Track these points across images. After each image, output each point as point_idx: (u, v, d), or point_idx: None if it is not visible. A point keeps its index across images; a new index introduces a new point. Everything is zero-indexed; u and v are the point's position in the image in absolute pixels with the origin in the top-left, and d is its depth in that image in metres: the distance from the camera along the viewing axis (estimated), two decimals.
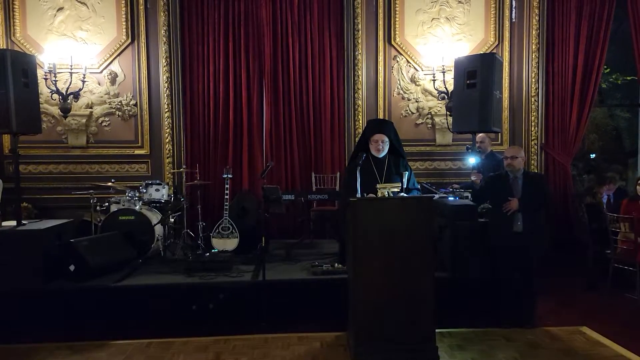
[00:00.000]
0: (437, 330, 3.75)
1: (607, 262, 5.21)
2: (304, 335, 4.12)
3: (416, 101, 6.67)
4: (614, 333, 4.07)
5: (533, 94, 6.69)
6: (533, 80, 6.68)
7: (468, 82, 4.82)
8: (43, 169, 6.28)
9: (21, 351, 3.87)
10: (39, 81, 5.41)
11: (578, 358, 3.64)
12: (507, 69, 6.64)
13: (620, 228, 5.06)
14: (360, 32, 6.53)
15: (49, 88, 5.97)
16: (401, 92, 6.66)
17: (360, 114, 6.58)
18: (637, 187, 5.14)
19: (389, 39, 6.60)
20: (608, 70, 8.35)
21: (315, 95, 6.58)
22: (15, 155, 4.49)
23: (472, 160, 4.81)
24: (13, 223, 4.59)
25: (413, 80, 6.65)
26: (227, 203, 5.51)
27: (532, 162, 6.71)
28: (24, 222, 4.64)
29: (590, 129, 8.94)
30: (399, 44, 6.59)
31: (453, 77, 5.39)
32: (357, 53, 6.54)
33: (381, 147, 4.36)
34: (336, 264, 4.77)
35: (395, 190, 3.85)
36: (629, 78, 7.51)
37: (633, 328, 4.26)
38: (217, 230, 5.45)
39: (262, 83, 6.52)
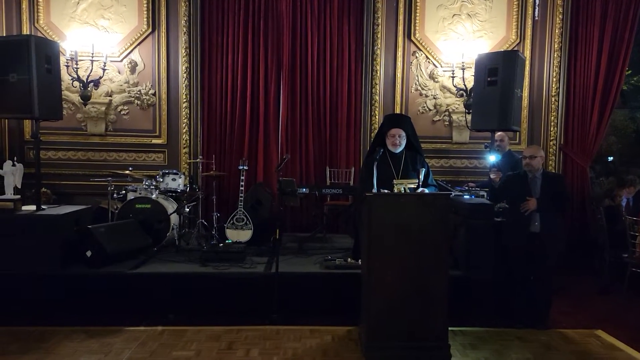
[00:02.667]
0: (450, 329, 3.74)
1: (624, 265, 5.14)
2: (315, 328, 4.13)
3: (434, 98, 6.62)
4: (629, 337, 4.02)
5: (553, 94, 6.60)
6: (554, 79, 6.59)
7: (489, 79, 4.77)
8: (62, 155, 6.36)
9: (38, 334, 3.94)
10: (60, 68, 5.49)
11: None
12: (527, 67, 6.53)
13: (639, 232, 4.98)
14: (379, 26, 6.49)
15: (70, 75, 6.03)
16: (419, 88, 6.62)
17: (377, 109, 6.55)
18: None
19: (408, 34, 6.55)
20: (630, 72, 8.20)
21: (333, 90, 6.57)
22: (37, 140, 4.55)
23: (492, 158, 4.75)
24: (33, 208, 4.66)
25: (432, 76, 6.60)
26: (242, 195, 5.54)
27: (550, 162, 6.62)
28: (43, 207, 4.71)
29: (609, 131, 8.80)
30: (418, 39, 6.54)
31: (473, 74, 5.33)
32: (375, 48, 6.51)
33: (398, 142, 4.33)
34: (349, 259, 4.76)
35: (412, 186, 3.84)
36: None
37: None
38: (232, 222, 5.48)
39: (280, 76, 6.52)
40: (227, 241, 5.28)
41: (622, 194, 5.89)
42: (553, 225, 4.16)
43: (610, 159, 8.96)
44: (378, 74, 6.54)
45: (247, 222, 5.48)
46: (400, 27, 6.53)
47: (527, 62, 6.54)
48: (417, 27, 6.54)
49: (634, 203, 5.64)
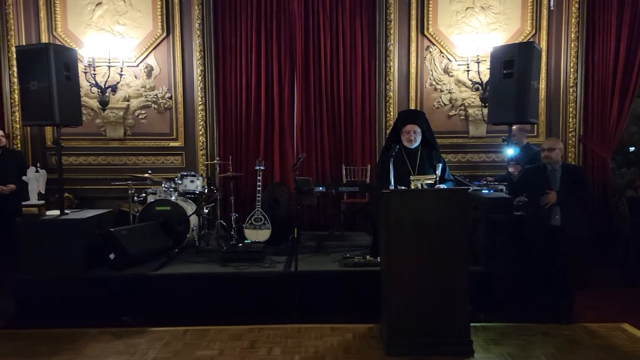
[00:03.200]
0: (472, 325, 3.73)
1: None
2: (336, 326, 4.14)
3: (449, 92, 6.57)
4: None
5: (571, 85, 6.50)
6: (572, 70, 6.49)
7: (505, 72, 4.71)
8: (83, 160, 6.48)
9: (65, 336, 4.02)
10: (79, 75, 5.58)
11: (618, 355, 3.55)
12: (544, 58, 6.45)
13: None
14: (392, 22, 6.46)
15: (88, 81, 6.14)
16: (433, 83, 6.58)
17: (392, 105, 6.53)
18: None
19: (421, 29, 6.51)
20: None
21: (346, 87, 6.57)
22: (59, 146, 4.64)
23: (510, 152, 4.70)
24: (56, 212, 4.75)
25: (446, 71, 6.56)
26: (260, 194, 5.57)
27: (570, 154, 6.53)
28: (66, 211, 4.80)
29: (630, 121, 8.61)
30: (432, 34, 6.50)
31: (489, 67, 5.28)
32: (389, 44, 6.49)
33: (413, 137, 4.33)
34: (367, 256, 4.76)
35: (430, 182, 3.83)
36: None
37: None
38: (250, 221, 5.52)
39: (294, 75, 6.54)
40: (246, 241, 5.33)
41: None
42: (574, 218, 4.10)
43: (632, 149, 8.76)
44: (392, 70, 6.52)
45: (265, 221, 5.52)
46: (413, 22, 6.49)
47: (544, 53, 6.45)
48: (430, 22, 6.49)
49: None
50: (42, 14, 6.31)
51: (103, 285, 4.48)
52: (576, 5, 6.40)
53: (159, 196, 5.47)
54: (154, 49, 6.40)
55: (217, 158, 6.25)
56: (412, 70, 6.55)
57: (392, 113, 6.51)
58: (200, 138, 6.48)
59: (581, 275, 5.06)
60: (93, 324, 4.20)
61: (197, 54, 6.38)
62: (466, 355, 3.53)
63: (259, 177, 5.61)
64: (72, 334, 4.03)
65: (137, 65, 6.40)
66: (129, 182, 5.48)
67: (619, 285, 5.20)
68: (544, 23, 6.48)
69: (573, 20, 6.44)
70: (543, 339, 3.83)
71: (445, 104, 6.59)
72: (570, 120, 6.54)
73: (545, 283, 4.19)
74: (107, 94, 6.20)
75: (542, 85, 6.49)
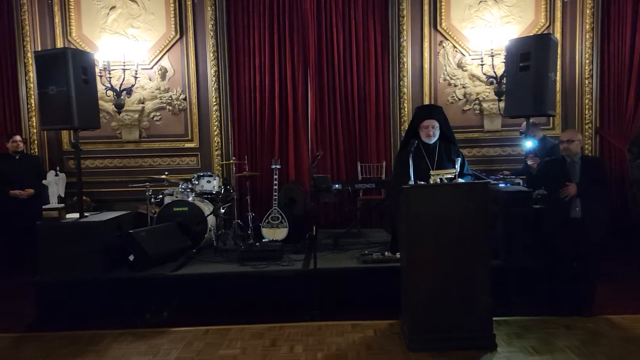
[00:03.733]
0: (493, 319, 3.70)
1: None
2: (357, 323, 4.13)
3: (463, 87, 6.54)
4: None
5: (587, 76, 6.44)
6: (587, 61, 6.42)
7: (521, 64, 4.67)
8: (99, 163, 6.55)
9: (88, 337, 4.05)
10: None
11: None
12: (559, 50, 6.36)
13: None
14: (405, 18, 6.45)
15: (103, 85, 6.20)
16: (447, 78, 6.55)
17: (406, 101, 6.51)
18: None
19: (434, 24, 6.49)
20: None
21: (360, 84, 6.56)
22: (77, 150, 4.69)
23: (528, 144, 4.67)
24: (76, 215, 4.81)
25: (460, 65, 6.53)
26: (276, 193, 5.59)
27: (587, 146, 6.47)
28: (85, 214, 4.85)
29: None
30: (445, 29, 6.47)
31: (504, 60, 5.24)
32: (402, 40, 6.47)
33: (432, 132, 4.32)
34: (386, 252, 4.75)
35: (449, 176, 3.81)
36: None
37: None
38: (267, 220, 5.54)
39: (307, 73, 6.54)
40: (263, 240, 5.35)
41: None
42: (594, 210, 4.06)
43: None
44: (405, 66, 6.50)
45: (282, 220, 5.53)
46: (426, 18, 6.47)
47: (559, 45, 6.37)
48: (442, 17, 6.47)
49: None
50: (57, 20, 6.38)
51: (123, 286, 4.51)
52: None
53: (176, 197, 5.51)
54: (167, 51, 6.45)
55: (233, 158, 6.28)
56: (426, 65, 6.53)
57: (406, 109, 6.49)
58: (215, 138, 6.51)
59: (602, 268, 5.02)
60: (114, 325, 4.24)
61: (211, 55, 6.42)
62: (489, 349, 3.51)
63: (275, 176, 5.62)
64: (94, 336, 4.06)
65: (152, 68, 6.45)
66: (147, 183, 5.52)
67: (638, 277, 5.12)
68: (558, 14, 6.43)
69: (588, 11, 6.37)
70: (566, 332, 3.79)
71: (459, 99, 6.57)
72: (587, 112, 6.48)
73: (565, 276, 4.14)
74: (122, 97, 6.26)
75: (558, 77, 6.38)
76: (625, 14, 6.31)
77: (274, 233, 5.50)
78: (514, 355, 3.45)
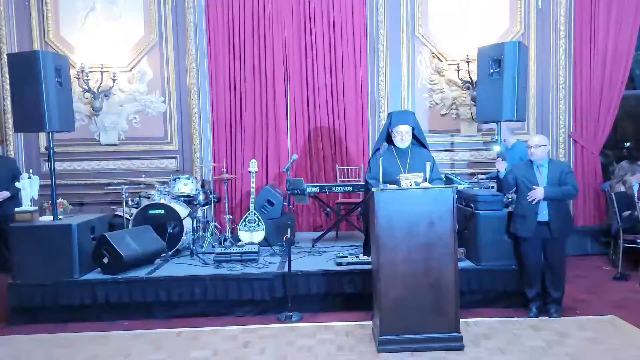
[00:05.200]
0: (463, 320, 3.79)
1: (638, 250, 5.10)
2: (329, 324, 4.18)
3: (440, 92, 6.63)
4: None
5: (561, 82, 6.56)
6: (561, 68, 6.55)
7: (492, 70, 4.77)
8: (77, 166, 6.51)
9: (59, 340, 4.04)
10: (71, 80, 5.61)
11: (607, 347, 3.59)
12: (533, 57, 6.53)
13: None
14: (383, 23, 6.52)
15: (81, 87, 6.18)
16: (425, 83, 6.64)
17: (384, 105, 6.58)
18: None
19: (412, 30, 6.58)
20: None
21: (340, 88, 6.61)
22: (51, 152, 4.67)
23: (496, 148, 4.76)
24: (50, 218, 4.79)
25: (437, 70, 6.62)
26: (253, 196, 5.61)
27: (561, 150, 6.60)
28: (59, 217, 4.83)
29: (622, 117, 8.68)
30: (422, 34, 6.56)
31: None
32: (380, 45, 6.54)
33: (405, 137, 4.38)
34: (360, 255, 4.80)
35: (418, 180, 3.87)
36: None
37: None
38: (244, 223, 5.56)
39: (287, 77, 6.59)
40: (239, 243, 5.36)
41: (633, 179, 5.83)
42: (561, 213, 4.16)
43: (627, 144, 8.83)
44: (384, 71, 6.58)
45: (259, 223, 5.55)
46: (404, 24, 6.56)
47: (533, 52, 6.53)
48: (420, 23, 6.57)
49: None
50: (34, 22, 6.34)
51: (97, 289, 4.49)
52: (564, 4, 6.48)
53: (153, 200, 5.50)
54: (146, 53, 6.44)
55: (211, 160, 6.29)
56: (404, 70, 6.61)
57: (385, 113, 6.56)
58: (195, 141, 6.51)
59: (571, 270, 5.13)
60: (87, 328, 4.23)
61: (190, 57, 6.43)
62: (457, 349, 3.57)
63: (252, 179, 5.64)
64: (66, 338, 4.06)
65: (130, 70, 6.44)
66: (123, 186, 5.51)
67: (609, 279, 5.25)
68: (533, 22, 6.56)
69: (561, 19, 6.51)
70: (533, 333, 3.87)
71: (437, 104, 6.66)
72: (561, 117, 6.60)
73: (535, 278, 4.22)
74: (100, 100, 6.24)
75: (532, 83, 6.57)
76: (597, 22, 6.45)
77: (251, 236, 5.52)
78: (481, 356, 3.52)
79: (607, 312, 4.26)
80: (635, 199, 5.37)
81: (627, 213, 5.36)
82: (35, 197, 4.83)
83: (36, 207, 4.74)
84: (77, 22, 6.37)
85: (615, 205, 5.38)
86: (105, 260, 4.59)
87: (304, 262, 5.00)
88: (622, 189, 5.82)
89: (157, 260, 5.00)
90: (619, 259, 5.40)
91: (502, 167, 4.24)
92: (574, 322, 4.06)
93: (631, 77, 7.89)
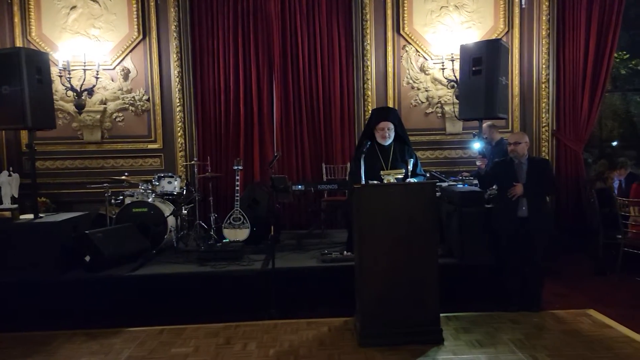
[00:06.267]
0: (444, 315, 3.83)
1: (617, 246, 5.18)
2: (312, 320, 4.20)
3: (426, 90, 6.68)
4: (620, 316, 4.07)
5: (544, 81, 6.64)
6: (544, 66, 6.63)
7: (474, 69, 4.82)
8: (60, 164, 6.47)
9: (40, 338, 4.01)
10: (54, 79, 5.60)
11: (582, 339, 3.64)
12: (517, 55, 6.60)
13: (631, 212, 5.01)
14: (368, 22, 6.55)
15: (63, 85, 6.14)
16: (410, 81, 6.68)
17: (370, 104, 6.61)
18: None
19: (397, 28, 6.61)
20: (628, 55, 8.21)
21: (325, 87, 6.63)
22: (32, 150, 4.64)
23: (476, 146, 4.82)
24: (31, 216, 4.75)
25: (422, 69, 6.66)
26: (238, 194, 5.61)
27: (544, 148, 6.67)
28: (41, 215, 4.80)
29: (608, 116, 8.81)
30: (407, 33, 6.60)
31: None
32: (365, 43, 6.58)
33: (387, 134, 4.39)
34: (345, 252, 4.82)
35: (400, 176, 3.89)
36: None
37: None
38: (229, 221, 5.55)
39: (272, 75, 6.59)
40: (224, 240, 5.36)
41: (613, 176, 5.92)
42: (540, 209, 4.20)
43: (615, 143, 8.96)
44: (369, 70, 6.60)
45: (244, 221, 5.55)
46: (389, 22, 6.59)
47: (517, 50, 6.60)
48: (405, 21, 6.60)
49: (626, 184, 5.67)
50: (17, 19, 6.30)
51: (79, 287, 4.47)
52: (547, 3, 6.56)
53: (136, 198, 5.49)
54: (130, 51, 6.42)
55: (196, 159, 6.27)
56: (390, 69, 6.64)
57: (370, 111, 6.56)
58: (179, 139, 6.50)
59: (554, 265, 5.20)
60: (69, 326, 4.20)
61: (174, 56, 6.41)
62: (437, 343, 3.61)
63: (237, 177, 5.64)
64: (46, 337, 4.03)
65: (114, 68, 6.41)
66: (106, 185, 5.48)
67: (589, 275, 5.32)
68: (516, 21, 6.62)
69: (544, 18, 6.58)
70: (511, 326, 3.92)
71: (422, 102, 6.70)
72: (544, 115, 6.68)
73: (514, 273, 4.27)
74: (83, 98, 6.21)
75: (516, 81, 6.64)
76: (579, 22, 6.55)
77: (236, 234, 5.52)
78: (459, 349, 3.56)
79: (585, 306, 4.33)
80: (615, 195, 5.46)
81: (607, 209, 5.43)
82: (16, 195, 4.80)
83: (16, 205, 4.71)
84: (59, 20, 6.33)
85: (596, 201, 5.45)
86: (87, 258, 4.57)
87: (289, 259, 5.02)
88: (603, 185, 5.91)
89: (140, 259, 4.97)
90: (598, 254, 5.47)
91: (482, 163, 4.28)
92: (552, 316, 4.12)
93: (616, 77, 8.04)
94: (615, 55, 6.92)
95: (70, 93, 6.20)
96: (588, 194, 5.77)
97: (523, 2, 6.60)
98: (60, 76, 6.09)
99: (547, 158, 6.48)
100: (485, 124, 5.56)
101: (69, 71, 6.10)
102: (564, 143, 6.69)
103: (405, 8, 6.58)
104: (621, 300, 4.52)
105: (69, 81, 6.11)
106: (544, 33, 6.60)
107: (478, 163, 4.37)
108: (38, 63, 4.55)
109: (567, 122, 6.69)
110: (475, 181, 5.30)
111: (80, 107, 6.21)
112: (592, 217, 5.67)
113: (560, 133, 6.70)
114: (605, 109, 8.40)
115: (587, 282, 5.07)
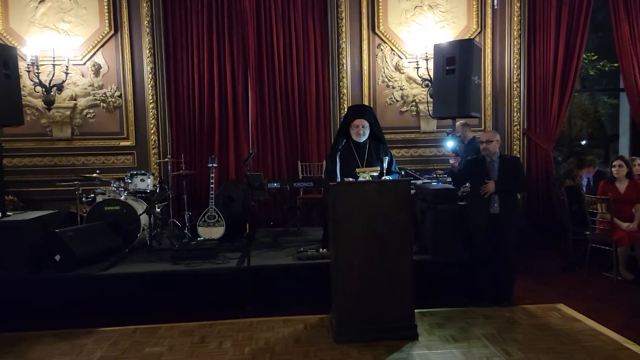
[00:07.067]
0: (418, 310, 3.88)
1: (586, 242, 5.32)
2: (288, 318, 4.19)
3: (400, 89, 6.73)
4: (589, 309, 4.19)
5: (515, 80, 6.78)
6: (515, 66, 6.76)
7: (447, 68, 4.88)
8: (28, 162, 6.30)
9: (9, 339, 3.90)
10: (21, 74, 5.43)
11: (552, 333, 3.74)
12: (489, 55, 6.72)
13: (598, 209, 5.16)
14: (344, 20, 6.57)
15: (32, 80, 5.98)
16: (386, 80, 6.72)
17: (346, 102, 6.63)
18: (613, 169, 5.24)
19: (372, 27, 6.64)
20: (596, 57, 8.45)
21: (301, 84, 6.62)
22: None
23: (449, 144, 4.89)
24: None
25: (397, 68, 6.71)
26: (213, 192, 5.56)
27: (515, 147, 6.81)
28: (8, 213, 4.67)
29: (577, 116, 9.06)
30: (382, 32, 6.64)
31: None
32: (341, 42, 6.59)
33: (362, 132, 4.41)
34: (321, 249, 4.83)
35: (375, 174, 3.92)
36: (615, 65, 7.61)
37: (607, 304, 4.39)
38: (203, 219, 5.50)
39: (247, 72, 6.55)
40: (199, 239, 5.31)
41: (582, 174, 6.09)
42: (511, 206, 4.30)
43: (583, 142, 9.22)
44: (345, 68, 6.62)
45: (219, 219, 5.50)
46: (365, 20, 6.62)
47: (489, 50, 6.72)
48: (380, 20, 6.64)
49: (593, 182, 5.84)
50: None
51: (49, 287, 4.37)
52: (518, 5, 6.69)
53: (108, 196, 5.38)
54: (101, 46, 6.29)
55: (169, 156, 6.19)
56: (365, 67, 6.67)
57: (346, 109, 6.57)
58: (152, 136, 6.40)
59: (525, 261, 5.32)
60: (39, 327, 4.09)
61: (147, 52, 6.31)
62: (411, 338, 3.65)
63: (211, 175, 5.59)
64: (15, 337, 3.92)
65: (84, 64, 6.27)
66: (76, 182, 5.36)
67: (559, 270, 5.46)
68: (489, 21, 6.73)
69: (515, 19, 6.72)
70: (484, 321, 3.99)
71: (397, 100, 6.75)
72: (515, 114, 6.82)
73: (487, 269, 4.35)
74: (52, 93, 6.05)
75: (488, 81, 6.75)
76: (549, 23, 6.71)
77: (210, 232, 5.47)
78: (433, 344, 3.61)
79: (555, 300, 4.45)
80: (584, 193, 5.62)
81: (576, 206, 5.59)
82: None
83: None
84: (27, 14, 6.16)
85: (565, 199, 5.60)
86: (57, 257, 4.46)
87: (264, 257, 5.00)
88: (572, 183, 6.07)
89: (113, 257, 4.88)
90: (568, 250, 5.62)
91: (455, 161, 4.35)
92: (523, 311, 4.21)
93: (585, 78, 8.27)
94: (584, 56, 7.11)
95: (38, 88, 6.04)
96: (558, 191, 5.91)
97: (495, 3, 6.71)
98: (29, 71, 5.92)
99: (518, 156, 6.62)
100: (459, 122, 5.64)
101: (38, 66, 5.94)
102: (535, 142, 6.85)
103: (380, 7, 6.62)
104: (589, 294, 4.65)
105: (38, 76, 5.96)
106: (515, 34, 6.73)
107: (451, 161, 4.44)
108: (5, 57, 4.41)
109: (537, 121, 6.85)
110: (449, 179, 5.38)
111: (49, 103, 6.05)
112: (562, 214, 5.81)
113: (530, 132, 6.85)
114: (574, 109, 8.65)
115: (556, 278, 5.21)
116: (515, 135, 6.83)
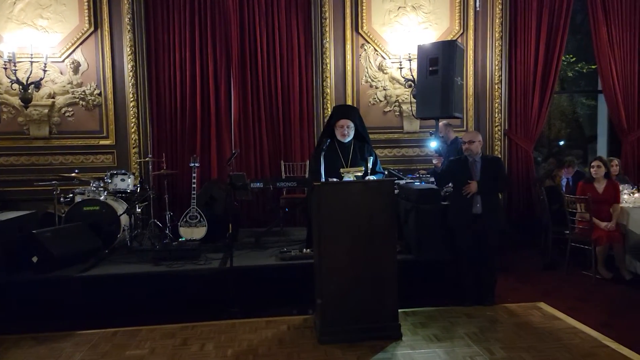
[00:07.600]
0: (402, 310, 3.88)
1: (566, 242, 5.41)
2: (271, 319, 4.16)
3: (384, 89, 6.75)
4: (568, 308, 4.25)
5: (496, 81, 6.85)
6: (496, 67, 6.83)
7: (430, 69, 4.90)
8: (4, 161, 6.14)
9: None
10: None
11: (533, 331, 3.79)
12: (471, 56, 6.78)
13: (577, 209, 5.25)
14: (327, 20, 6.56)
15: (8, 78, 5.84)
16: (369, 80, 6.73)
17: (329, 102, 6.62)
18: (591, 170, 5.33)
19: (356, 27, 6.65)
20: (574, 59, 8.59)
21: (284, 84, 6.58)
22: None
23: (433, 144, 4.92)
24: None
25: (381, 68, 6.73)
26: (195, 192, 5.49)
27: (496, 147, 6.88)
28: None
29: (556, 117, 9.21)
30: (366, 32, 6.65)
31: None
32: (324, 41, 6.58)
33: (347, 132, 4.42)
34: (304, 249, 4.81)
35: (359, 174, 3.92)
36: (593, 67, 7.75)
37: (587, 303, 4.46)
38: (185, 219, 5.43)
39: (230, 71, 6.48)
40: (180, 239, 5.24)
41: (561, 174, 6.18)
42: (493, 206, 4.34)
43: (562, 143, 9.37)
44: (328, 67, 6.61)
45: (201, 219, 5.44)
46: (348, 20, 6.62)
47: (471, 52, 6.78)
48: (364, 20, 6.64)
49: (573, 182, 5.93)
50: None
51: (26, 289, 4.27)
52: (500, 7, 6.76)
53: (88, 196, 5.28)
54: (81, 44, 6.16)
55: (150, 155, 6.10)
56: (348, 67, 6.67)
57: (329, 109, 6.58)
58: (133, 135, 6.30)
59: (506, 261, 5.38)
60: (16, 331, 4.00)
61: (128, 49, 6.21)
62: (395, 338, 3.66)
63: (193, 174, 5.52)
64: None
65: (63, 61, 6.14)
66: (54, 182, 5.24)
67: (539, 270, 5.54)
68: (471, 23, 6.79)
69: (497, 21, 6.79)
70: (466, 320, 4.03)
71: (380, 101, 6.76)
72: (496, 115, 6.89)
73: (469, 268, 4.39)
74: (29, 91, 5.91)
75: (470, 82, 6.81)
76: (530, 26, 6.80)
77: (192, 232, 5.40)
78: (417, 343, 3.62)
79: (536, 299, 4.50)
80: (563, 193, 5.70)
81: (555, 206, 5.67)
82: None
83: None
84: (4, 10, 6.00)
85: (545, 198, 5.68)
86: (35, 259, 4.36)
87: (247, 257, 4.96)
88: (552, 183, 6.16)
89: (92, 259, 4.79)
90: (548, 249, 5.71)
91: (439, 162, 4.38)
92: (505, 310, 4.26)
93: (564, 79, 8.41)
94: (563, 58, 7.23)
95: (15, 86, 5.89)
96: (538, 191, 5.99)
97: (477, 5, 6.77)
98: (5, 68, 5.78)
99: (500, 156, 6.69)
100: (442, 122, 5.68)
101: (15, 63, 5.80)
102: (515, 142, 6.93)
103: (364, 7, 6.62)
104: (569, 293, 4.73)
105: (15, 73, 5.81)
106: (497, 35, 6.80)
107: (434, 161, 4.46)
108: None
109: (518, 122, 6.94)
110: (432, 179, 5.41)
111: (26, 100, 5.91)
112: (542, 213, 5.89)
113: (511, 132, 6.93)
114: (554, 110, 8.79)
115: (537, 277, 5.28)
116: (496, 135, 6.90)
